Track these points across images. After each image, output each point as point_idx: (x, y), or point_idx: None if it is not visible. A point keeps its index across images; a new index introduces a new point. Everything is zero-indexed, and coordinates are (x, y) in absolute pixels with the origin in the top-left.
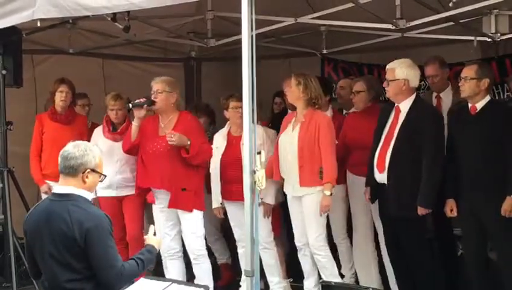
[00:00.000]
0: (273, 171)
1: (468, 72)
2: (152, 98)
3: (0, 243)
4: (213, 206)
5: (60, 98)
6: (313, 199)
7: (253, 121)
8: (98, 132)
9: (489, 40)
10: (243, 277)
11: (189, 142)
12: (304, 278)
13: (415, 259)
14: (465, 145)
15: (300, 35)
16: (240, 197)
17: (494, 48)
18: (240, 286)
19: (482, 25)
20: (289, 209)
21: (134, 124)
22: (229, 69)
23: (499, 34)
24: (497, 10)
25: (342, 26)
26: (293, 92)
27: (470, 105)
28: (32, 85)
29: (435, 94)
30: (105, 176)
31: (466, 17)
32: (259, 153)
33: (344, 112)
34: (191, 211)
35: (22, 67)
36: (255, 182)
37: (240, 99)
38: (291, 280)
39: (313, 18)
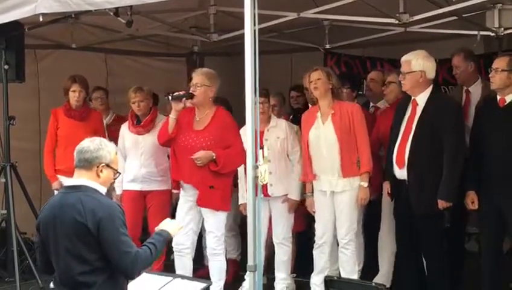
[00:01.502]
0: (305, 173)
1: (500, 63)
2: (190, 91)
3: (3, 238)
4: (239, 202)
5: (74, 97)
6: (351, 194)
7: (256, 116)
8: (124, 127)
9: (493, 34)
10: (248, 272)
11: (214, 156)
12: (309, 273)
13: (431, 254)
14: (492, 138)
15: (303, 30)
16: (264, 193)
17: (498, 43)
18: (244, 280)
19: (485, 20)
20: (317, 206)
21: (172, 116)
22: (231, 63)
23: (502, 29)
24: (501, 5)
25: (345, 20)
26: (324, 83)
27: (498, 97)
28: (35, 80)
29: (464, 88)
30: (119, 173)
31: (469, 11)
32: (261, 148)
33: (371, 104)
34: (218, 210)
35: (24, 62)
36: (257, 177)
37: (261, 94)
38: (295, 275)
39: (316, 12)
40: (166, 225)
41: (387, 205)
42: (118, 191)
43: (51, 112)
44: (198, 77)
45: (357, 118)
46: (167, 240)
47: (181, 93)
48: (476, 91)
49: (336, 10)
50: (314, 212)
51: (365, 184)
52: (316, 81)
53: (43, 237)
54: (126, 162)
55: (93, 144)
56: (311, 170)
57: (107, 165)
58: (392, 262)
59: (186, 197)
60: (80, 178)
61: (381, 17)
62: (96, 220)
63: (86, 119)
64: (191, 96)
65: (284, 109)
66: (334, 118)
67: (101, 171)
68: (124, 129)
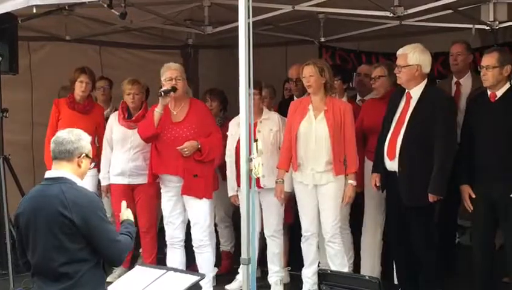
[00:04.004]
0: (283, 161)
1: (490, 60)
2: (172, 85)
3: None
4: (229, 194)
5: (80, 88)
6: (334, 187)
7: (250, 108)
8: (114, 118)
9: (488, 28)
10: (241, 265)
11: (199, 145)
12: (301, 267)
13: (422, 246)
14: (483, 132)
15: (298, 23)
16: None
17: (493, 36)
18: (238, 273)
19: (480, 13)
20: (299, 198)
21: (158, 110)
22: (226, 56)
23: (497, 22)
24: None
25: (340, 13)
26: (318, 79)
27: (489, 92)
28: (27, 72)
29: (454, 80)
30: (95, 162)
31: (464, 5)
32: (256, 140)
33: (358, 98)
34: (201, 198)
35: (17, 54)
36: (251, 170)
37: (255, 86)
38: (290, 268)
39: (311, 5)
40: (126, 213)
41: (370, 199)
42: (104, 182)
43: (53, 102)
44: (176, 71)
45: (348, 118)
46: (134, 229)
47: (168, 88)
48: (466, 84)
49: (330, 3)
50: (280, 198)
51: (354, 182)
52: (309, 78)
53: (23, 229)
54: (112, 154)
55: (73, 135)
56: (289, 159)
57: (86, 155)
58: (377, 255)
59: (169, 191)
60: (61, 169)
61: (376, 10)
62: (81, 213)
63: (89, 112)
64: (175, 90)
65: (273, 101)
66: (328, 115)
67: (82, 161)
68: (113, 120)
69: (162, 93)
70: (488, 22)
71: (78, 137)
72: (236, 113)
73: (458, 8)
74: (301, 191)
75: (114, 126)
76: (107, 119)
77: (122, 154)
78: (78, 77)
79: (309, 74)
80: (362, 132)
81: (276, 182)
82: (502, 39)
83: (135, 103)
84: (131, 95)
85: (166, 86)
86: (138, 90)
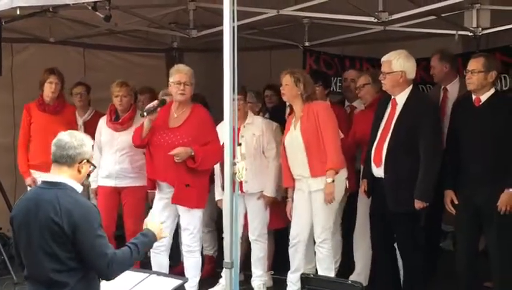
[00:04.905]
0: (285, 178)
1: (476, 65)
2: (180, 91)
3: None
4: (216, 198)
5: (50, 89)
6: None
7: (234, 112)
8: (103, 121)
9: (471, 34)
10: (224, 269)
11: (192, 152)
12: (286, 270)
13: (407, 252)
14: (468, 137)
15: (283, 28)
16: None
17: (476, 43)
18: (221, 277)
19: (463, 19)
20: (295, 205)
21: (147, 123)
22: (211, 60)
23: (480, 29)
24: (479, 5)
25: (325, 18)
26: (291, 89)
27: (474, 97)
28: (9, 74)
29: (442, 86)
30: (95, 167)
31: (448, 11)
32: (239, 144)
33: (346, 103)
34: (192, 208)
35: (0, 55)
36: (235, 174)
37: (239, 91)
38: (273, 272)
39: (295, 10)
40: (151, 223)
41: (362, 204)
42: (94, 185)
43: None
44: (186, 75)
45: (322, 116)
46: (152, 241)
47: (154, 104)
48: (453, 89)
49: (315, 8)
50: (291, 216)
51: (329, 180)
52: (284, 86)
53: (16, 231)
54: (101, 156)
55: (76, 140)
56: (290, 174)
57: (88, 161)
58: (368, 260)
59: (162, 195)
60: (60, 175)
61: (361, 16)
62: (72, 222)
63: (60, 112)
64: (164, 102)
65: (259, 106)
66: (302, 120)
67: (82, 167)
68: (102, 123)
69: (145, 113)
70: (471, 28)
71: (81, 142)
72: (220, 117)
73: (442, 14)
74: (299, 198)
75: (103, 129)
76: (85, 123)
77: (109, 157)
78: (47, 78)
79: (285, 82)
80: (356, 143)
81: (287, 200)
82: (484, 45)
83: (123, 105)
84: (119, 97)
85: (159, 98)
86: (126, 93)
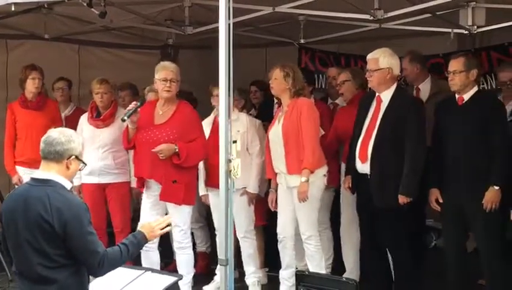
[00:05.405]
0: (267, 170)
1: (456, 65)
2: (166, 88)
3: None
4: (200, 194)
5: (33, 84)
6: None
7: (229, 109)
8: (84, 118)
9: (466, 32)
10: (219, 266)
11: (177, 149)
12: (279, 267)
13: (395, 248)
14: (452, 136)
15: (278, 25)
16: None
17: (471, 41)
18: (216, 274)
19: (459, 18)
20: (279, 200)
21: (131, 127)
22: (206, 57)
23: (475, 27)
24: (474, 3)
25: (320, 16)
26: (280, 83)
27: (457, 96)
28: (4, 70)
29: (415, 86)
30: (86, 164)
31: (443, 9)
32: (235, 142)
33: (329, 101)
34: (180, 204)
35: None
36: (230, 171)
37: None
38: (267, 269)
39: (291, 7)
40: (144, 226)
41: (345, 200)
42: (76, 182)
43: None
44: (172, 72)
45: (303, 114)
46: (141, 243)
47: (133, 105)
48: (425, 88)
49: (311, 5)
50: (274, 207)
51: (303, 179)
52: (273, 80)
53: (5, 227)
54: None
55: (64, 136)
56: (271, 168)
57: (76, 158)
58: (356, 256)
59: (150, 193)
60: (50, 171)
61: (356, 13)
62: (62, 220)
63: (43, 108)
64: (144, 102)
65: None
66: (285, 116)
67: (71, 163)
68: (83, 120)
69: (126, 118)
70: (467, 27)
71: (68, 138)
72: (209, 112)
73: (437, 12)
74: (280, 193)
75: (84, 126)
76: (66, 118)
77: (92, 153)
78: (29, 74)
79: (274, 76)
80: (337, 139)
81: (270, 190)
82: (479, 44)
83: (104, 102)
84: (99, 94)
85: (134, 103)
86: (106, 90)
